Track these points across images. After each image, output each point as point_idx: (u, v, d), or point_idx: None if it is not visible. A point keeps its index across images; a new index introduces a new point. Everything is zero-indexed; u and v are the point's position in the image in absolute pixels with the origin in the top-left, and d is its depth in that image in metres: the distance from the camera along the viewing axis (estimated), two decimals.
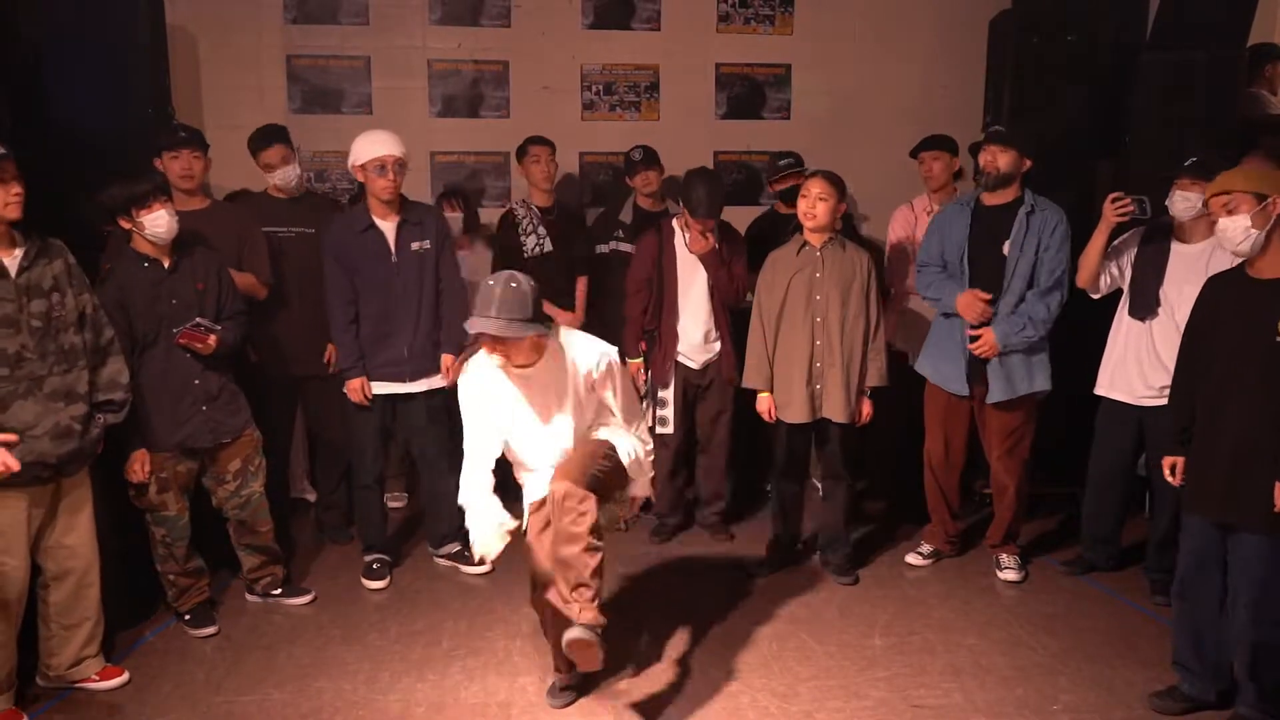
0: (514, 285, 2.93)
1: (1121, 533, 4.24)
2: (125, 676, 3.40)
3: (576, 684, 3.33)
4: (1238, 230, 2.95)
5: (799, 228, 4.04)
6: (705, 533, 4.67)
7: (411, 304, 4.04)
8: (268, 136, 4.33)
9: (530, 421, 3.16)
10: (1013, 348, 3.94)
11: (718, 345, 4.44)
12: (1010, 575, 4.19)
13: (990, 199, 4.01)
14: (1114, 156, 4.76)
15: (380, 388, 4.08)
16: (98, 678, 3.36)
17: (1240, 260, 3.04)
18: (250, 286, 4.07)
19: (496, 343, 2.96)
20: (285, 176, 4.34)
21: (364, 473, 4.22)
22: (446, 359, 4.09)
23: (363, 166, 3.94)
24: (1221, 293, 3.09)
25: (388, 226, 4.02)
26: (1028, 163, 3.96)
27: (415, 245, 4.03)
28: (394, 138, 3.97)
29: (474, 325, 2.93)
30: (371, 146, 3.93)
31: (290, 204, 4.39)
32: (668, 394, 4.42)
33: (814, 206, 3.94)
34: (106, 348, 3.28)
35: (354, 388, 4.04)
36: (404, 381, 4.07)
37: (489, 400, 3.13)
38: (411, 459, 4.52)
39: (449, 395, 4.13)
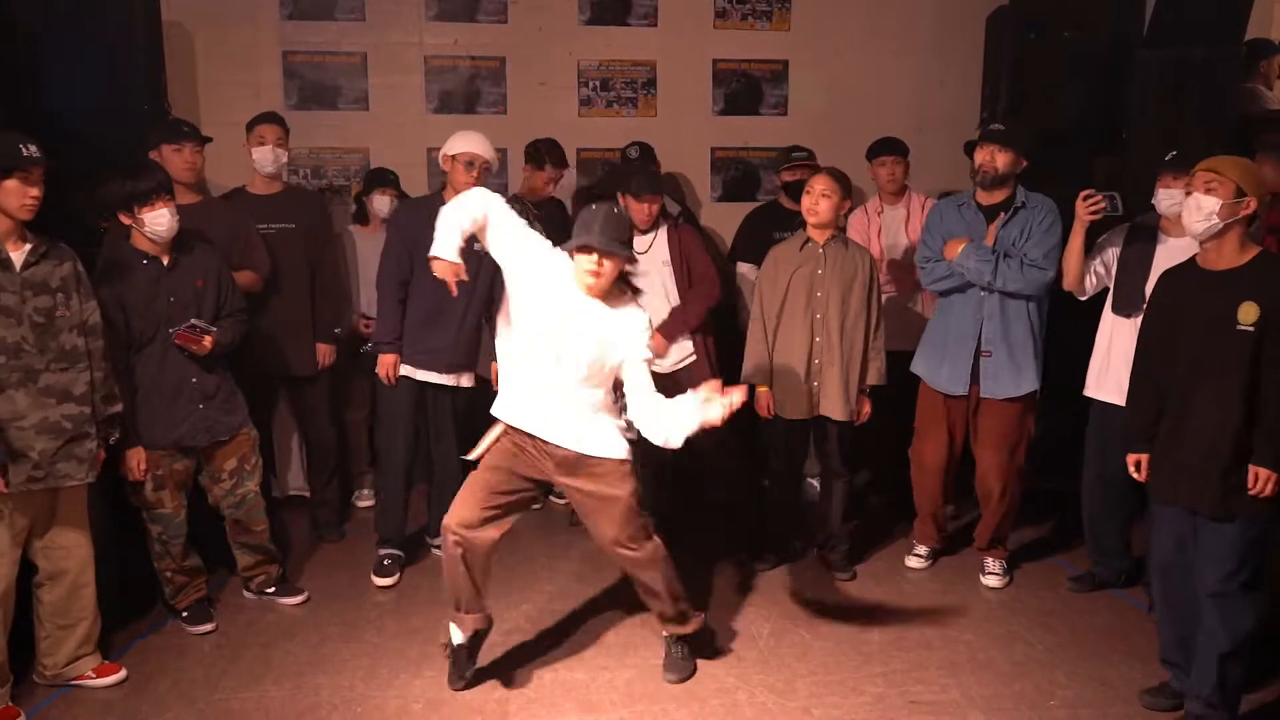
0: (616, 211, 3.09)
1: (1128, 541, 4.03)
2: (122, 673, 3.39)
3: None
4: (1203, 211, 2.93)
5: (804, 224, 4.03)
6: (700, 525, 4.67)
7: (463, 297, 3.89)
8: (272, 117, 4.33)
9: (555, 335, 3.10)
10: (962, 266, 3.89)
11: (689, 346, 4.36)
12: (993, 581, 4.12)
13: (985, 198, 3.99)
14: (1112, 153, 4.76)
15: (416, 373, 4.04)
16: (94, 675, 3.35)
17: (1192, 254, 3.07)
18: (250, 284, 4.05)
19: (600, 257, 3.00)
20: (271, 158, 4.25)
21: (391, 461, 4.16)
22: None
23: (453, 158, 3.97)
24: (1177, 287, 3.08)
25: None
26: (1023, 163, 3.92)
27: (478, 245, 3.96)
28: (486, 141, 4.03)
29: (579, 239, 3.02)
30: (465, 142, 3.98)
31: (270, 200, 4.31)
32: None
33: (817, 203, 3.93)
34: (103, 359, 3.27)
35: (386, 363, 4.02)
36: (439, 372, 4.03)
37: (543, 275, 3.12)
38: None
39: (471, 396, 4.14)
